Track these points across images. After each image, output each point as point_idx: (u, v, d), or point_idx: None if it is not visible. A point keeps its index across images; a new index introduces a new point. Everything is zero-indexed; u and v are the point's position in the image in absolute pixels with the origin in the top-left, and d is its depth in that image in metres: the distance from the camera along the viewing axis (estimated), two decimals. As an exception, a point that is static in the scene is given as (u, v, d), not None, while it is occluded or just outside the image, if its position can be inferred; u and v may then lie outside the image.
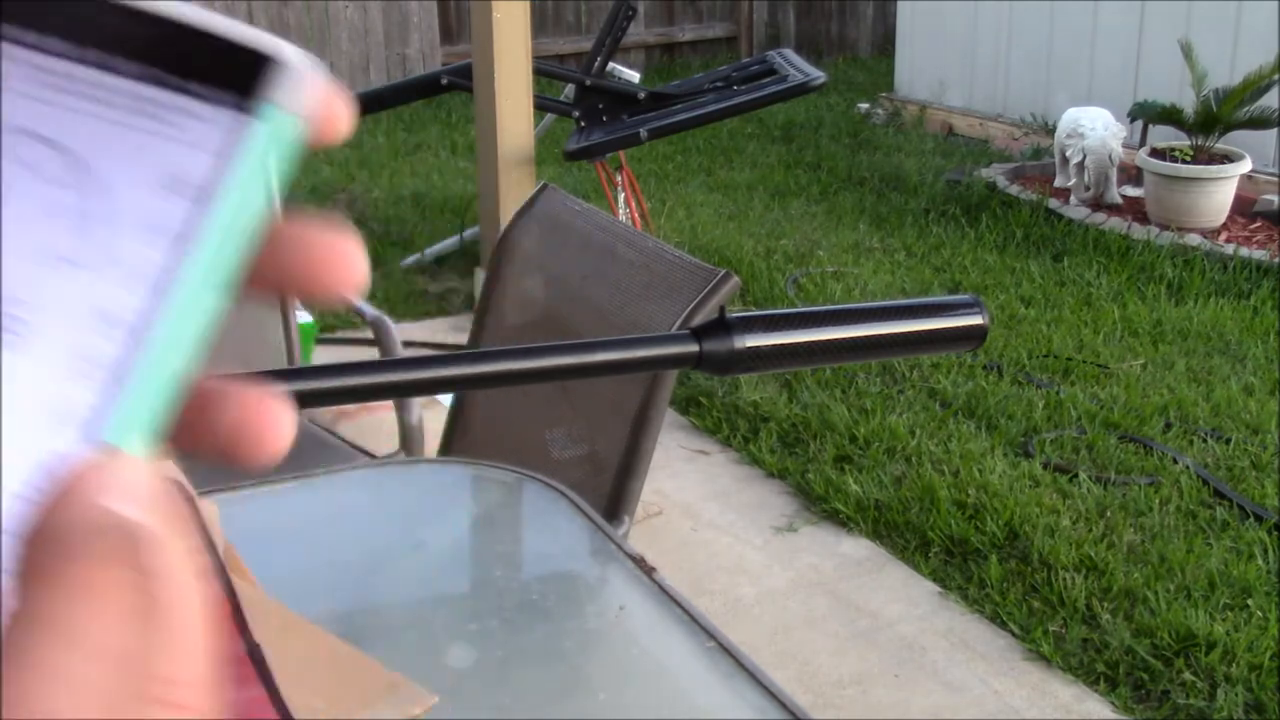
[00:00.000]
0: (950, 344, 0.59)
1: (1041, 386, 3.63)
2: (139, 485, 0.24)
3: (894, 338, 0.58)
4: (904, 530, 2.93)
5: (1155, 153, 4.97)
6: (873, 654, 2.51)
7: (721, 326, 0.55)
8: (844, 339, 0.58)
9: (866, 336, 0.59)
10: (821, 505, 3.07)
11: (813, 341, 0.56)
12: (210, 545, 1.01)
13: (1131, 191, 5.21)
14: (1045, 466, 3.16)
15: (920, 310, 0.58)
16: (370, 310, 2.25)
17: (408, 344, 3.93)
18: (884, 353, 0.60)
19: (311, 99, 0.26)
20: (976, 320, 0.58)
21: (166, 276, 0.25)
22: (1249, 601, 2.57)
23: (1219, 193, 4.85)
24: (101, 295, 0.25)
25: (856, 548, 2.90)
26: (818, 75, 4.41)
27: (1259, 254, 4.57)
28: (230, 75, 0.25)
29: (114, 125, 0.25)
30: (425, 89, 5.20)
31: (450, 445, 1.96)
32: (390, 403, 2.17)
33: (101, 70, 0.25)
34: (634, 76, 4.76)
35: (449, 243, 4.99)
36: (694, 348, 0.54)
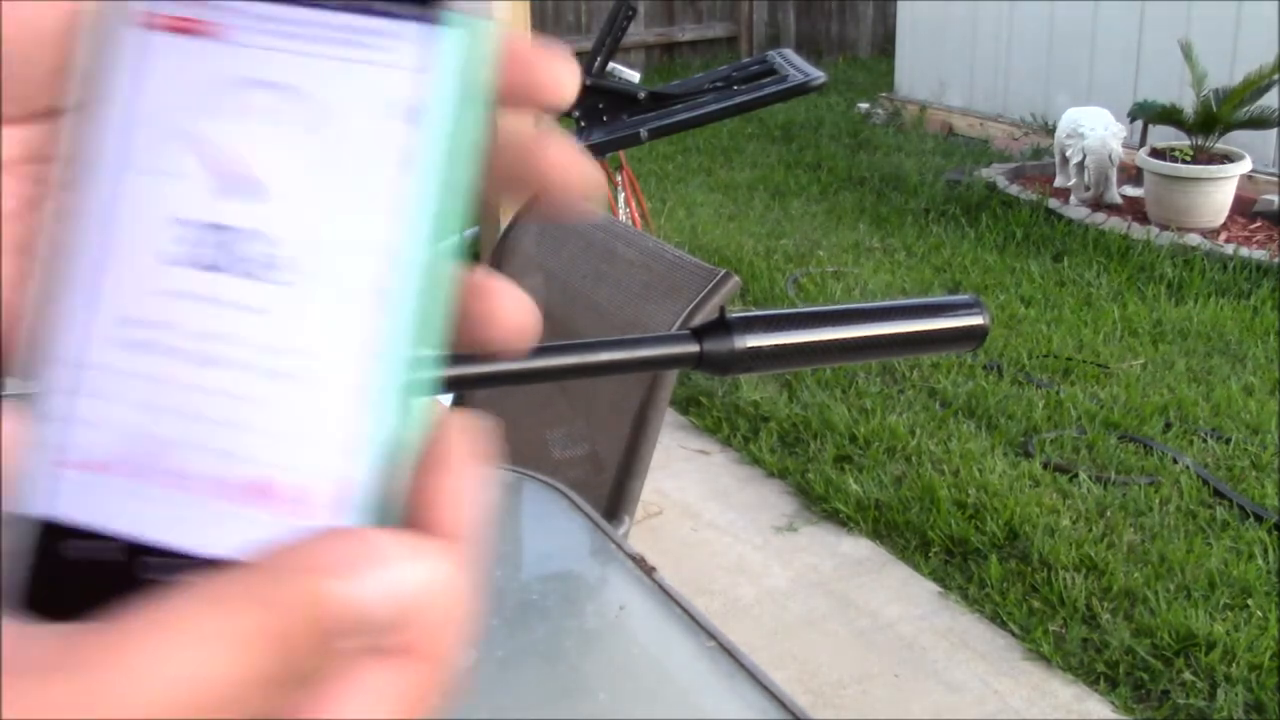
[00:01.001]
0: (951, 344, 0.59)
1: (1041, 386, 3.63)
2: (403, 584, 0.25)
3: (894, 338, 0.58)
4: (904, 530, 2.93)
5: (1155, 153, 4.97)
6: (873, 654, 2.51)
7: (722, 326, 0.55)
8: (844, 339, 0.58)
9: (867, 336, 0.58)
10: (821, 505, 3.07)
11: (813, 341, 0.56)
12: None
13: (1131, 191, 5.21)
14: (1045, 466, 3.16)
15: (921, 310, 0.58)
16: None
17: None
18: (884, 353, 0.60)
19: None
20: (977, 320, 0.58)
21: (418, 203, 0.26)
22: (1249, 601, 2.56)
23: (1219, 193, 4.85)
24: (363, 229, 0.26)
25: (856, 548, 2.90)
26: (818, 75, 4.41)
27: (1259, 254, 4.57)
28: None
29: (339, 61, 0.26)
30: (425, 89, 5.19)
31: (450, 445, 1.96)
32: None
33: (324, 8, 0.27)
34: (634, 76, 4.76)
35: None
36: (694, 348, 0.54)
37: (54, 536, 0.26)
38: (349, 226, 0.26)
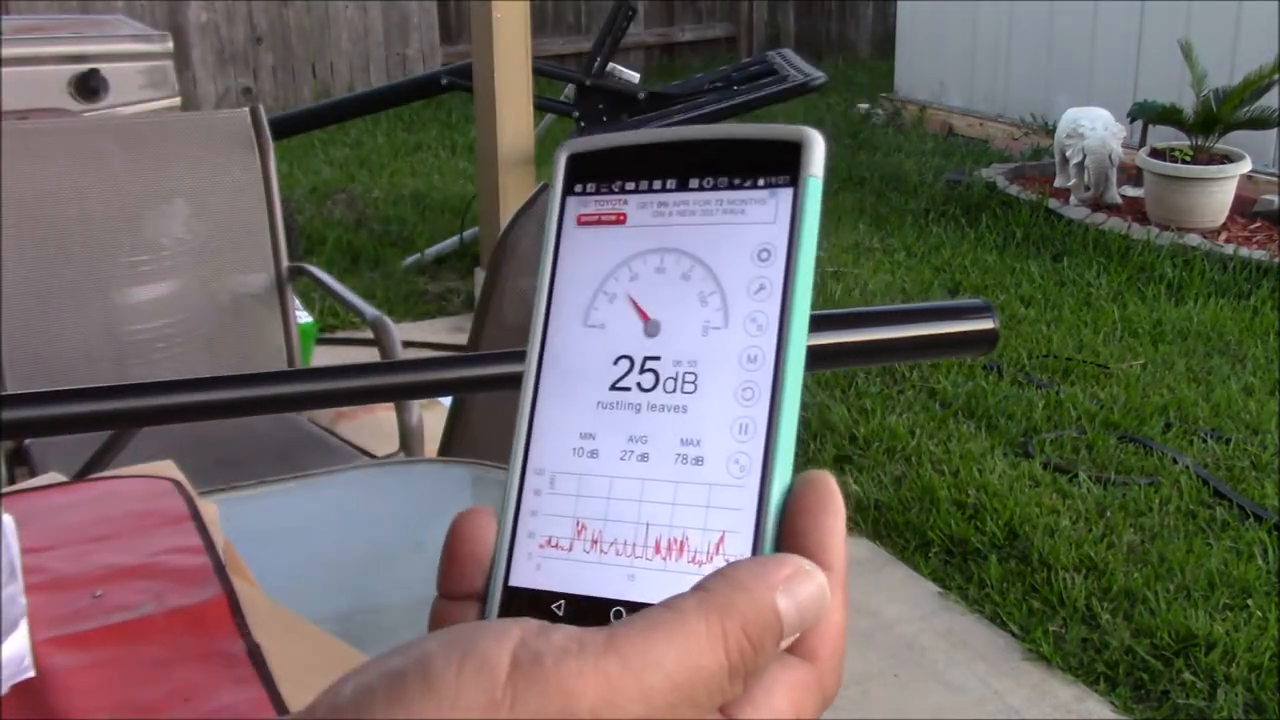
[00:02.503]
0: (960, 349, 0.59)
1: (1041, 386, 3.63)
2: (813, 601, 0.32)
3: (903, 342, 0.58)
4: (904, 530, 2.93)
5: (1155, 153, 4.97)
6: (873, 654, 2.51)
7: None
8: (852, 343, 0.58)
9: (875, 340, 0.58)
10: (821, 505, 3.06)
11: (822, 345, 0.56)
12: (210, 545, 1.01)
13: (1131, 191, 5.21)
14: (1045, 466, 3.16)
15: (929, 315, 0.58)
16: (370, 310, 2.25)
17: (408, 344, 3.93)
18: (894, 357, 0.61)
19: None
20: (987, 325, 0.58)
21: (777, 319, 0.35)
22: (1249, 601, 2.56)
23: (1219, 193, 4.85)
24: (742, 344, 0.35)
25: (856, 548, 2.90)
26: (818, 75, 4.41)
27: (1259, 254, 4.57)
28: (777, 163, 0.36)
29: (711, 225, 0.36)
30: (425, 89, 5.20)
31: (450, 445, 1.96)
32: (390, 403, 2.17)
33: (694, 190, 0.37)
34: (634, 77, 4.76)
35: (449, 243, 4.99)
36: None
37: (524, 599, 0.35)
38: (726, 341, 0.35)
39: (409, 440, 2.11)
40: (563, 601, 0.35)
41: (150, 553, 0.99)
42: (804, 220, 0.35)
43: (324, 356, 3.70)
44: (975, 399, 3.53)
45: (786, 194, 0.35)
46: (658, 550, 0.34)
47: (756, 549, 0.34)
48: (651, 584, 0.34)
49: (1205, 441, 3.28)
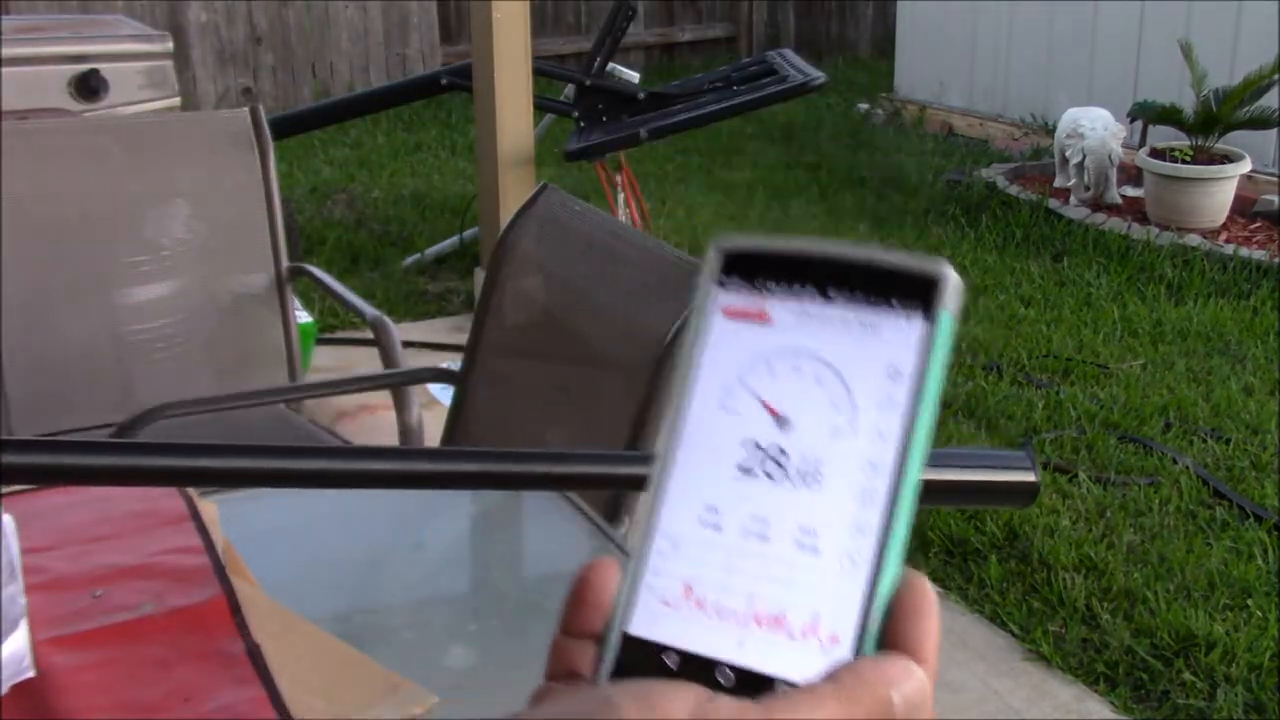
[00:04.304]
0: (995, 499, 0.58)
1: (1041, 386, 3.63)
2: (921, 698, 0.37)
3: (932, 486, 0.58)
4: (904, 530, 2.92)
5: (1155, 153, 4.97)
6: (873, 654, 2.51)
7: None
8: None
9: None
10: (821, 505, 3.06)
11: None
12: (210, 545, 1.01)
13: (1131, 191, 5.21)
14: (1045, 466, 3.16)
15: (961, 461, 0.58)
16: (370, 310, 2.25)
17: (407, 344, 3.92)
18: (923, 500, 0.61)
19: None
20: (1026, 477, 0.58)
21: (902, 436, 0.38)
22: (1249, 601, 2.56)
23: (1219, 193, 4.85)
24: (866, 452, 0.38)
25: (856, 548, 2.90)
26: (817, 75, 4.41)
27: (1259, 254, 4.56)
28: (914, 292, 0.39)
29: (848, 337, 0.39)
30: (425, 89, 5.20)
31: (450, 445, 1.96)
32: (390, 403, 2.17)
33: (835, 302, 0.39)
34: (634, 77, 4.75)
35: (449, 243, 4.99)
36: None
37: (639, 647, 0.39)
38: (852, 447, 0.38)
39: (409, 440, 2.11)
40: (676, 654, 0.38)
41: (150, 553, 0.99)
42: (935, 349, 0.38)
43: (324, 356, 3.70)
44: (975, 399, 3.53)
45: (921, 322, 0.39)
46: (758, 622, 0.38)
47: (862, 641, 0.37)
48: (758, 651, 0.37)
49: (1205, 441, 3.28)
